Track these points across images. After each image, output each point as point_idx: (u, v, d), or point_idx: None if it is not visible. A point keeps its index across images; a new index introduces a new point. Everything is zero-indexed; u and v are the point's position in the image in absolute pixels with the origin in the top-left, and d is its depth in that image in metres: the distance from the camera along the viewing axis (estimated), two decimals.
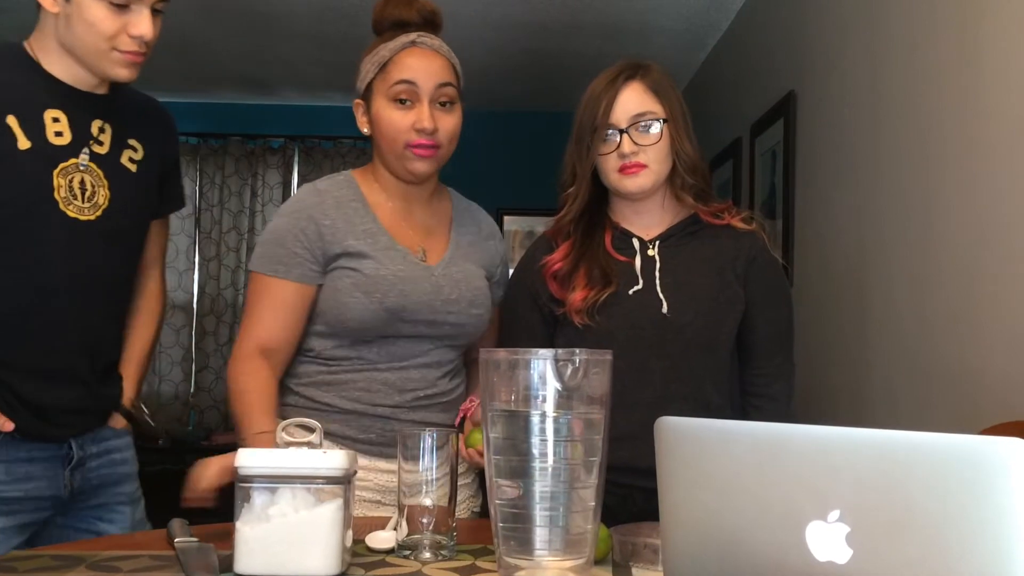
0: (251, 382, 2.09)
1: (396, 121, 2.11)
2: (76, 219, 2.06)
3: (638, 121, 2.11)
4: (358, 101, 2.20)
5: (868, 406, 3.16)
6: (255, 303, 2.13)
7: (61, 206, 2.04)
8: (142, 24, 2.02)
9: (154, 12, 2.06)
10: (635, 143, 2.11)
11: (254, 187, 7.01)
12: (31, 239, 2.04)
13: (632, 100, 2.12)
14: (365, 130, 2.19)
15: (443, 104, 2.13)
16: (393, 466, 2.05)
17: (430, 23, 2.19)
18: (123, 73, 2.06)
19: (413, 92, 2.10)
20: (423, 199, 2.24)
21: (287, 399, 2.17)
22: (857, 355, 3.26)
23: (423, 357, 2.15)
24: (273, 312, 2.10)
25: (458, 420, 2.17)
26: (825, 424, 1.00)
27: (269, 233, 2.15)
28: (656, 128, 2.12)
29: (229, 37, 5.63)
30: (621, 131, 2.11)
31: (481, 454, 1.94)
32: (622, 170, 2.12)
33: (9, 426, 2.02)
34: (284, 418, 2.19)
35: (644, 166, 2.11)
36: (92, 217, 2.08)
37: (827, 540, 0.96)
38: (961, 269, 2.54)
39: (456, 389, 2.22)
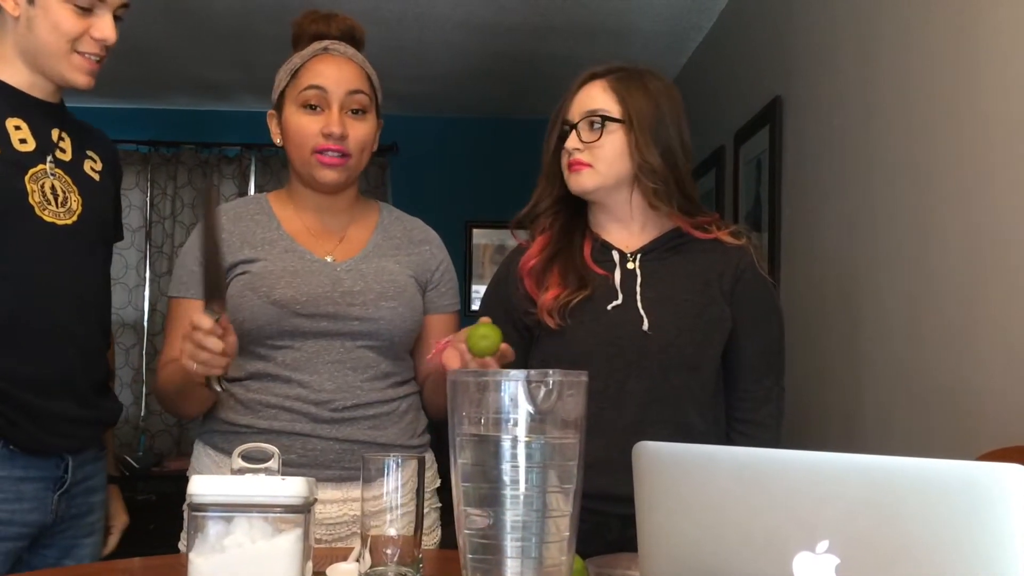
0: (169, 365, 2.16)
1: (304, 126, 2.18)
2: (54, 223, 2.13)
3: (588, 118, 2.14)
4: (271, 112, 2.28)
5: (860, 430, 3.17)
6: (167, 325, 2.28)
7: (37, 211, 2.10)
8: (105, 27, 2.12)
9: (115, 18, 2.15)
10: (580, 140, 2.13)
11: None
12: (12, 246, 2.09)
13: (589, 97, 2.16)
14: (278, 141, 2.26)
15: (355, 111, 2.20)
16: (320, 493, 2.06)
17: (349, 39, 2.27)
18: (81, 80, 2.16)
19: (323, 98, 2.17)
20: (339, 211, 2.29)
21: (209, 425, 2.22)
22: (848, 377, 3.26)
23: (336, 362, 2.16)
24: (180, 332, 2.14)
25: (438, 350, 1.97)
26: (814, 449, 1.00)
27: (178, 257, 2.29)
28: (609, 128, 2.13)
29: (181, 39, 5.60)
30: (572, 126, 2.14)
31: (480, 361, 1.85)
32: (570, 167, 2.15)
33: None
34: (212, 446, 2.21)
35: (587, 165, 2.13)
36: (69, 222, 2.15)
37: (815, 572, 0.96)
38: (958, 284, 2.55)
39: (393, 403, 2.21)
